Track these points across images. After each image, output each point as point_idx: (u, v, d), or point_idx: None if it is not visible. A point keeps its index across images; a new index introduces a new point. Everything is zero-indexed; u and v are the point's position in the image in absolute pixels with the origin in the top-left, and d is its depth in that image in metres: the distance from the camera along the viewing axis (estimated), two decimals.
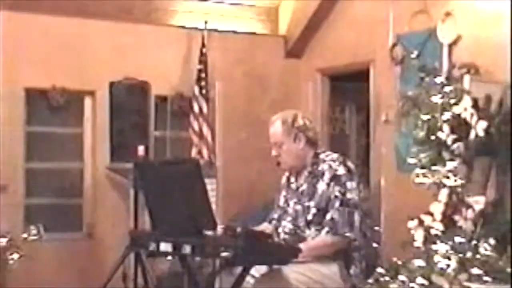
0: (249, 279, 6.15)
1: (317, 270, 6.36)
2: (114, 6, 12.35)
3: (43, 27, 11.92)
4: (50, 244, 11.85)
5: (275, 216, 6.91)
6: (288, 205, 6.80)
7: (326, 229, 6.48)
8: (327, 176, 6.52)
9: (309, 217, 6.58)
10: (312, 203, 6.58)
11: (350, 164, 6.72)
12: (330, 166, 6.57)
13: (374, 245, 9.94)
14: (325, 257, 6.43)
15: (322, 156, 6.70)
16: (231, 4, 13.28)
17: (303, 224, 6.61)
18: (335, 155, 6.73)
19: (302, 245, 6.26)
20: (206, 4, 12.99)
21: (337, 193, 6.50)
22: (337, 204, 6.48)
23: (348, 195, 6.50)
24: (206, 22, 12.65)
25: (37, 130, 12.33)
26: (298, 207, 6.67)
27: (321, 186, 6.53)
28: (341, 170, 6.55)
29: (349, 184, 6.53)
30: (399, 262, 9.41)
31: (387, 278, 9.15)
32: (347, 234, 6.47)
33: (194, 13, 12.91)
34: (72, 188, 12.70)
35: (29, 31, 11.84)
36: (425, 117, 10.08)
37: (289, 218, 6.73)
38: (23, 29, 11.78)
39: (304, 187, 6.66)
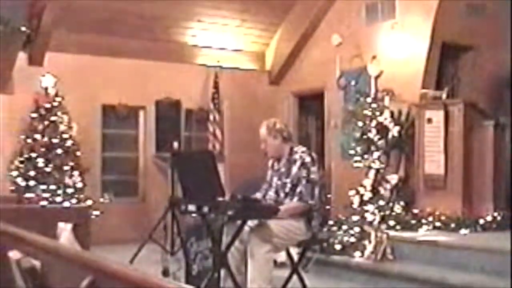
0: (246, 228, 6.22)
1: (290, 223, 6.35)
2: (160, 51, 12.41)
3: (115, 65, 11.99)
4: (117, 205, 11.92)
5: (264, 187, 6.94)
6: (272, 181, 6.82)
7: (296, 198, 6.51)
8: (298, 163, 6.54)
9: (286, 190, 6.59)
10: (288, 180, 6.58)
11: (313, 154, 6.73)
12: (301, 156, 6.58)
13: (327, 207, 10.08)
14: (295, 215, 6.46)
15: (295, 149, 6.70)
16: (234, 50, 13.31)
17: (282, 195, 6.64)
18: (304, 149, 6.74)
19: (281, 207, 6.31)
20: (217, 51, 13.02)
21: (304, 174, 6.51)
22: (303, 181, 6.49)
23: (311, 176, 6.51)
24: (218, 62, 12.75)
25: (109, 132, 12.38)
26: (279, 182, 6.68)
27: (294, 169, 6.54)
28: (307, 159, 6.57)
29: (312, 168, 6.54)
30: (343, 218, 9.57)
31: (335, 228, 9.29)
32: (310, 202, 6.47)
33: (210, 56, 12.95)
34: (131, 169, 12.73)
35: (105, 68, 11.93)
36: (360, 124, 10.24)
37: (273, 190, 6.73)
38: (101, 67, 11.89)
39: (283, 169, 6.67)
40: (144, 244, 9.27)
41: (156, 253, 9.27)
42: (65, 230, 4.57)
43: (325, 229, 9.00)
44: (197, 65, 12.90)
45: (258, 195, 6.87)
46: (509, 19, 10.14)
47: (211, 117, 12.50)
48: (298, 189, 6.48)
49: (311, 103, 13.26)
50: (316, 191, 6.58)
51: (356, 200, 9.77)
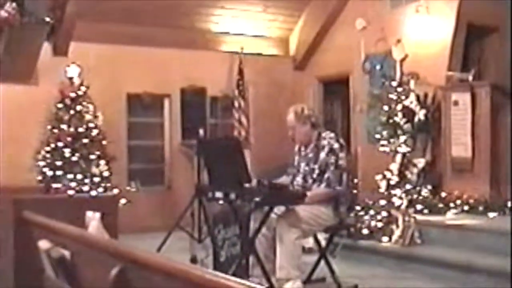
0: (272, 215, 6.23)
1: (318, 209, 6.36)
2: (184, 38, 12.44)
3: (139, 54, 12.06)
4: (143, 194, 11.99)
5: (292, 172, 6.92)
6: (299, 166, 6.80)
7: (324, 184, 6.50)
8: (326, 148, 6.51)
9: (314, 176, 6.57)
10: (316, 166, 6.56)
11: (341, 140, 6.70)
12: (329, 142, 6.54)
13: (354, 192, 10.08)
14: (323, 201, 6.46)
15: (323, 134, 6.67)
16: (257, 36, 13.32)
17: (310, 181, 6.63)
18: (332, 134, 6.71)
19: (308, 193, 6.30)
20: (241, 37, 13.03)
21: (332, 160, 6.48)
22: (332, 168, 6.46)
23: (340, 162, 6.48)
24: (242, 48, 12.73)
25: (134, 120, 12.45)
26: (307, 168, 6.67)
27: (322, 155, 6.52)
28: (335, 145, 6.53)
29: (340, 155, 6.52)
30: (370, 202, 9.56)
31: (362, 213, 9.30)
32: (337, 188, 6.46)
33: (234, 43, 12.96)
34: (157, 157, 12.80)
35: (129, 57, 11.99)
36: (385, 108, 10.20)
37: (300, 176, 6.72)
38: (126, 56, 11.95)
39: (311, 155, 6.65)
40: (171, 232, 9.32)
41: (184, 240, 9.32)
42: (93, 219, 4.60)
43: (352, 214, 9.02)
44: (221, 52, 12.92)
45: (285, 179, 6.87)
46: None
47: (236, 104, 12.52)
48: (326, 175, 6.47)
49: (336, 88, 13.22)
50: (344, 177, 6.58)
51: (383, 185, 9.75)
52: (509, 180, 9.31)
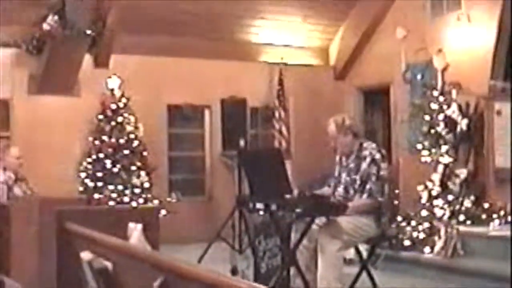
0: (314, 226, 6.20)
1: (359, 220, 6.31)
2: (224, 50, 12.48)
3: (179, 65, 12.13)
4: (184, 204, 12.00)
5: (332, 183, 6.88)
6: (341, 176, 6.75)
7: (366, 194, 6.44)
8: (368, 159, 6.43)
9: (356, 186, 6.50)
10: (357, 177, 6.50)
11: (383, 151, 6.63)
12: (370, 153, 6.47)
13: (395, 202, 10.02)
14: (364, 212, 6.41)
15: (365, 145, 6.61)
16: (297, 46, 13.32)
17: (352, 192, 6.57)
18: (374, 145, 6.63)
19: (350, 204, 6.26)
20: (281, 48, 13.04)
21: (374, 171, 6.40)
22: (373, 178, 6.38)
23: (381, 172, 6.41)
24: (282, 59, 12.75)
25: (175, 131, 12.53)
26: (348, 178, 6.60)
27: (364, 165, 6.44)
28: (377, 155, 6.47)
29: (382, 165, 6.45)
30: (412, 213, 9.50)
31: (404, 224, 9.23)
32: (379, 199, 6.41)
33: (273, 53, 12.97)
34: (198, 168, 12.84)
35: (170, 68, 12.07)
36: (427, 118, 10.12)
37: (342, 186, 6.66)
38: (166, 67, 12.03)
39: (352, 165, 6.59)
40: (212, 243, 9.34)
41: (225, 251, 9.33)
42: (135, 230, 4.63)
43: (393, 225, 8.96)
44: (261, 63, 12.95)
45: (326, 190, 6.83)
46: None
47: (277, 114, 12.53)
48: (368, 186, 6.40)
49: (376, 98, 13.17)
50: (386, 187, 6.52)
51: (424, 195, 9.68)
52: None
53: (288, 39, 13.10)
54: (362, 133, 6.94)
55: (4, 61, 10.93)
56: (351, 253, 7.63)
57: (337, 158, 6.84)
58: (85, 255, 3.88)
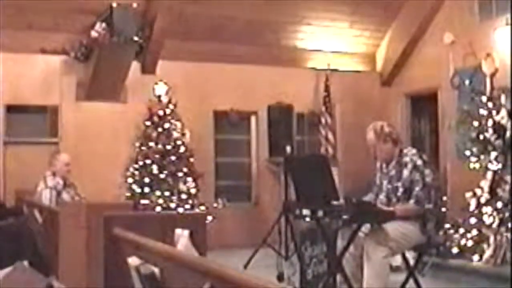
0: (360, 233, 6.18)
1: (405, 227, 6.27)
2: (270, 56, 12.52)
3: (226, 71, 12.20)
4: (230, 210, 12.06)
5: (374, 191, 6.84)
6: (382, 184, 6.72)
7: (412, 200, 6.38)
8: (409, 165, 6.40)
9: (399, 194, 6.45)
10: (399, 184, 6.45)
11: (424, 156, 6.58)
12: (411, 159, 6.44)
13: (443, 209, 9.91)
14: (411, 218, 6.36)
15: (405, 151, 6.57)
16: (344, 52, 13.30)
17: (394, 200, 6.52)
18: (414, 150, 6.60)
19: (398, 206, 6.24)
20: (327, 54, 13.04)
21: (418, 178, 6.35)
22: (420, 185, 6.33)
23: (426, 179, 6.35)
24: (328, 65, 12.76)
25: (221, 137, 12.60)
26: (389, 186, 6.56)
27: (405, 172, 6.40)
28: (419, 161, 6.43)
29: (426, 171, 6.39)
30: (460, 220, 9.40)
31: (451, 231, 9.14)
32: (426, 206, 6.36)
33: (319, 59, 12.97)
34: (244, 174, 12.89)
35: (216, 74, 12.13)
36: (475, 124, 10.01)
37: (383, 194, 6.62)
38: (212, 73, 12.10)
39: (393, 173, 6.55)
40: (258, 249, 9.36)
41: (271, 257, 9.33)
42: (182, 236, 4.65)
43: (441, 233, 8.88)
44: (307, 69, 12.95)
45: (370, 197, 6.80)
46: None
47: (323, 121, 12.53)
48: (414, 193, 6.35)
49: (424, 104, 13.08)
50: (432, 194, 6.46)
51: (473, 202, 9.56)
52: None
53: (334, 45, 13.08)
54: (402, 140, 6.88)
55: (53, 68, 11.10)
56: (397, 260, 7.58)
57: (378, 165, 6.81)
58: (133, 261, 3.91)
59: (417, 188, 6.32)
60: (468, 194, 9.67)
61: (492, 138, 9.81)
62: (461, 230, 9.06)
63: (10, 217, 8.09)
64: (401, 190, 6.42)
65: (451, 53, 11.58)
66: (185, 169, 10.94)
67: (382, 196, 6.60)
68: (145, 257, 3.81)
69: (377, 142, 6.57)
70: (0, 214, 7.83)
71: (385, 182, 6.60)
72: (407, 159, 6.47)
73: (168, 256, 3.54)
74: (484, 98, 10.16)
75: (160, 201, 10.56)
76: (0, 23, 10.39)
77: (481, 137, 9.93)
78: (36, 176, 8.74)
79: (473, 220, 9.16)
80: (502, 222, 8.94)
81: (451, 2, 11.92)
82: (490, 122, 9.88)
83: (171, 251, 3.66)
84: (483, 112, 10.02)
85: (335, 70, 12.90)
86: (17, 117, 11.10)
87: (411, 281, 6.66)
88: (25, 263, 6.38)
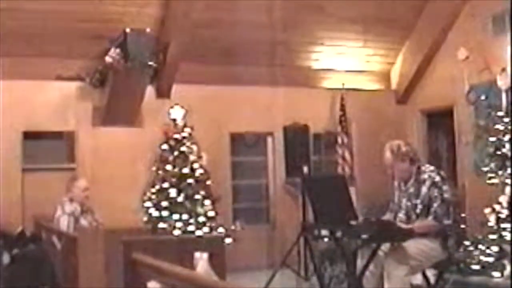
0: (380, 252, 6.18)
1: (425, 244, 6.26)
2: (285, 76, 12.47)
3: (241, 93, 12.22)
4: (248, 232, 11.99)
5: (393, 209, 6.83)
6: (401, 202, 6.71)
7: (431, 217, 6.37)
8: (427, 182, 6.39)
9: (417, 211, 6.45)
10: (418, 201, 6.44)
11: (442, 173, 6.58)
12: (430, 176, 6.43)
13: (462, 226, 9.87)
14: (430, 235, 6.34)
15: (423, 168, 6.57)
16: (358, 71, 13.30)
17: (414, 217, 6.51)
18: (432, 167, 6.60)
19: (416, 223, 6.23)
20: (342, 74, 13.05)
21: (436, 194, 6.34)
22: (438, 201, 6.32)
23: (445, 195, 6.35)
24: (343, 84, 12.76)
25: (238, 159, 12.58)
26: (408, 204, 6.55)
27: (424, 189, 6.40)
28: (437, 178, 6.42)
29: (444, 187, 6.39)
30: (480, 237, 9.35)
31: (471, 248, 9.09)
32: (445, 222, 6.35)
33: (334, 79, 12.98)
34: (261, 196, 12.86)
35: (231, 96, 12.15)
36: (492, 139, 9.98)
37: (403, 212, 6.61)
38: (227, 95, 12.13)
39: (412, 190, 6.54)
40: (277, 270, 9.35)
41: (290, 278, 9.33)
42: (201, 259, 4.66)
43: (461, 249, 8.83)
44: (322, 89, 12.95)
45: (388, 216, 6.79)
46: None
47: (340, 140, 12.50)
48: (432, 209, 6.33)
49: (440, 120, 13.05)
50: (451, 210, 6.45)
51: (492, 218, 9.51)
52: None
53: (349, 64, 13.09)
54: (419, 158, 6.86)
55: (69, 94, 11.16)
56: (418, 278, 7.53)
57: (396, 183, 6.80)
58: (152, 285, 3.92)
59: (435, 205, 6.31)
60: (487, 210, 9.62)
61: (510, 153, 9.77)
62: (481, 247, 9.00)
63: (29, 244, 8.12)
64: (420, 207, 6.41)
65: (466, 68, 11.57)
66: (202, 192, 10.94)
67: (401, 214, 6.60)
68: (165, 281, 3.82)
69: (394, 161, 6.57)
70: (20, 241, 7.86)
71: (404, 200, 6.60)
72: (425, 176, 6.46)
73: (187, 279, 3.54)
74: (500, 113, 10.13)
75: (178, 224, 10.56)
76: (15, 51, 10.49)
77: (499, 152, 9.89)
78: (54, 202, 8.75)
79: (492, 236, 9.10)
80: None
81: (464, 18, 11.91)
82: (507, 137, 9.84)
83: (190, 275, 3.67)
84: (499, 127, 9.98)
85: (350, 89, 12.89)
86: (34, 143, 11.15)
87: None
88: None
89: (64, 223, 8.38)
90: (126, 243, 4.63)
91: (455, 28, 12.17)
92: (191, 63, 11.59)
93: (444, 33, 12.38)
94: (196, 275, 3.98)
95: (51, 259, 7.70)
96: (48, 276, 7.70)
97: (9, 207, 10.21)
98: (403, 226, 6.32)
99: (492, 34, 11.28)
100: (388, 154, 6.59)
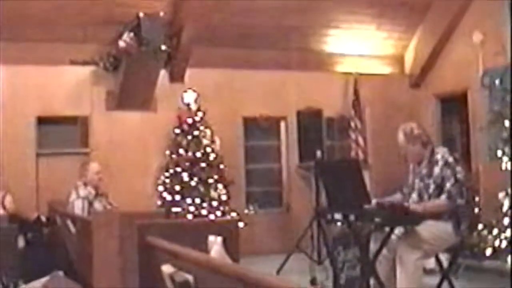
0: (393, 236, 6.19)
1: (438, 228, 6.26)
2: (298, 60, 12.53)
3: (254, 77, 12.25)
4: (261, 216, 12.09)
5: (405, 191, 6.83)
6: (414, 183, 6.73)
7: (444, 196, 6.37)
8: (440, 162, 6.38)
9: (430, 191, 6.45)
10: (431, 181, 6.44)
11: (455, 154, 6.60)
12: (442, 156, 6.44)
13: (476, 210, 9.87)
14: (443, 218, 6.35)
15: (436, 150, 6.60)
16: (372, 55, 13.29)
17: (426, 197, 6.53)
18: (445, 149, 6.57)
19: (429, 204, 6.26)
20: (355, 58, 13.05)
21: (449, 174, 6.33)
22: (451, 180, 6.32)
23: (458, 175, 6.34)
24: (357, 68, 12.78)
25: (251, 143, 12.63)
26: (421, 184, 6.54)
27: (436, 170, 6.39)
28: (450, 159, 6.42)
29: (457, 168, 6.39)
30: (493, 221, 9.34)
31: (485, 232, 9.09)
32: (459, 201, 6.35)
33: (348, 63, 12.98)
34: (274, 180, 12.90)
35: (244, 80, 12.19)
36: (507, 123, 9.95)
37: (416, 192, 6.62)
38: (241, 80, 12.16)
39: (425, 171, 6.53)
40: (290, 254, 9.38)
41: (303, 262, 9.35)
42: (215, 243, 4.69)
43: (474, 234, 8.83)
44: (336, 73, 12.95)
45: (398, 196, 6.79)
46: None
47: (353, 125, 12.52)
48: (445, 188, 6.33)
49: (454, 105, 13.02)
50: (464, 190, 6.45)
51: (506, 203, 9.50)
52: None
53: (362, 48, 13.07)
54: (431, 140, 6.87)
55: (83, 79, 11.21)
56: (431, 262, 7.56)
57: (411, 167, 6.81)
58: (166, 269, 3.95)
59: (448, 184, 6.30)
60: (501, 195, 9.61)
61: None
62: (495, 231, 9.00)
63: (44, 228, 8.20)
64: (432, 187, 6.42)
65: (481, 52, 11.53)
66: (215, 176, 10.99)
67: (414, 195, 6.61)
68: (179, 265, 3.85)
69: (407, 144, 6.59)
70: (36, 226, 7.94)
71: (417, 181, 6.60)
72: (438, 156, 6.47)
73: (201, 263, 3.57)
74: None
75: (192, 208, 10.61)
76: (29, 36, 10.54)
77: None
78: (68, 187, 8.82)
79: (506, 221, 9.10)
80: None
81: (479, 1, 11.86)
82: None
83: (204, 258, 3.70)
84: None
85: (364, 73, 12.88)
86: (48, 128, 11.22)
87: (445, 283, 6.65)
88: (61, 273, 6.45)
89: (78, 207, 8.44)
90: (140, 226, 4.66)
91: (470, 11, 12.12)
92: (205, 47, 11.61)
93: (459, 16, 12.33)
94: (211, 258, 4.00)
95: (66, 242, 7.77)
96: (63, 259, 7.77)
97: (24, 191, 10.30)
98: (416, 205, 6.32)
99: (508, 17, 11.22)
100: (401, 136, 6.62)
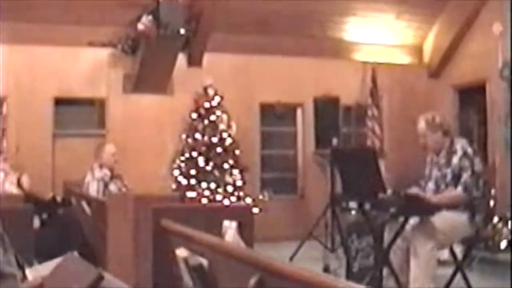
0: (407, 227, 6.18)
1: (453, 219, 6.26)
2: (316, 47, 12.51)
3: (272, 63, 12.25)
4: (276, 202, 12.07)
5: (422, 183, 6.82)
6: (431, 173, 6.71)
7: (460, 187, 6.35)
8: (459, 153, 6.36)
9: (447, 180, 6.43)
10: (448, 171, 6.42)
11: (474, 146, 6.58)
12: (462, 147, 6.42)
13: (492, 202, 9.83)
14: (458, 209, 6.33)
15: (455, 140, 6.58)
16: (390, 44, 13.24)
17: (443, 186, 6.51)
18: (464, 140, 6.55)
19: (445, 195, 6.23)
20: (374, 46, 13.00)
21: (467, 164, 6.31)
22: (468, 172, 6.30)
23: (475, 167, 6.33)
24: (375, 57, 12.73)
25: (267, 129, 12.64)
26: (439, 173, 6.53)
27: (455, 160, 6.37)
28: (469, 150, 6.40)
29: (475, 160, 6.37)
30: (509, 214, 9.32)
31: (500, 225, 9.06)
32: (475, 193, 6.33)
33: (366, 51, 12.93)
34: (290, 167, 12.92)
35: (262, 66, 12.18)
36: None
37: (432, 182, 6.61)
38: (258, 65, 12.15)
39: (443, 161, 6.52)
40: (304, 241, 9.38)
41: (317, 250, 9.36)
42: (230, 228, 4.69)
43: (489, 226, 8.80)
44: (354, 61, 12.91)
45: (415, 190, 6.78)
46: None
47: (370, 113, 12.49)
48: (462, 179, 6.31)
49: (472, 96, 12.96)
50: (481, 182, 6.43)
51: None
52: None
53: (381, 37, 13.02)
54: (452, 131, 6.85)
55: (100, 61, 11.24)
56: (445, 254, 7.54)
57: (428, 158, 6.78)
58: (181, 252, 3.95)
59: (465, 175, 6.28)
60: None
61: None
62: (510, 224, 8.97)
63: (59, 208, 8.22)
64: (449, 176, 6.39)
65: (501, 43, 11.45)
66: (231, 161, 11.00)
67: (431, 184, 6.58)
68: (194, 248, 3.85)
69: (427, 131, 6.57)
70: (51, 206, 7.96)
71: (435, 171, 6.58)
72: (457, 146, 6.44)
73: (216, 247, 3.57)
74: None
75: (206, 193, 10.63)
76: (48, 17, 10.56)
77: None
78: (84, 168, 8.85)
79: None
80: None
81: None
82: None
83: (219, 243, 3.70)
84: None
85: (382, 62, 12.83)
86: (65, 109, 11.27)
87: (458, 275, 6.64)
88: (75, 253, 6.47)
89: (93, 188, 8.48)
90: (155, 210, 4.67)
91: (490, 1, 12.04)
92: (223, 32, 11.60)
93: (479, 6, 12.25)
94: (225, 243, 4.01)
95: (81, 223, 7.80)
96: (77, 240, 7.80)
97: (40, 171, 10.34)
98: (431, 196, 6.30)
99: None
100: (422, 124, 6.60)
